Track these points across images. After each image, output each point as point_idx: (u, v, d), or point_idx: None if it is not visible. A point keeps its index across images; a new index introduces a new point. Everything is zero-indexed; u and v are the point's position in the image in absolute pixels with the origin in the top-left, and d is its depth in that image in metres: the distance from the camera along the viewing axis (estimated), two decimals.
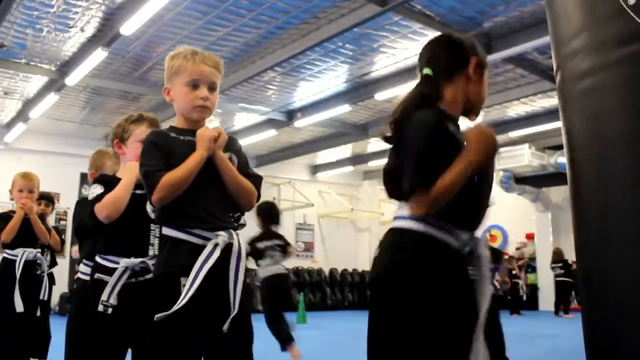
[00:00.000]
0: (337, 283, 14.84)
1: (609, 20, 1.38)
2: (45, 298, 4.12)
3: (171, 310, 1.68)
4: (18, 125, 10.74)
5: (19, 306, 3.78)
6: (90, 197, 2.16)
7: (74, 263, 10.93)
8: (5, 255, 3.99)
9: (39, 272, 4.02)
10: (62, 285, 10.50)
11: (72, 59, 8.04)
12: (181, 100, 1.93)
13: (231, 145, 1.94)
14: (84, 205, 2.61)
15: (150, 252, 2.18)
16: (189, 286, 1.69)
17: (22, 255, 3.90)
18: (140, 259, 2.13)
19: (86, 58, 7.61)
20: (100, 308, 2.07)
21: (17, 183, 3.96)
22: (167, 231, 1.83)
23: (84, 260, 2.73)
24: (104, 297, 2.08)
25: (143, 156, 1.86)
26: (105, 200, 2.09)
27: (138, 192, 2.15)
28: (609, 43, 1.38)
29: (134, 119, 2.29)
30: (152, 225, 2.18)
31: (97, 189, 2.15)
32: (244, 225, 2.07)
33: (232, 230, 1.82)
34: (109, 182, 2.18)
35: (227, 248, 1.77)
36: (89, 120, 11.28)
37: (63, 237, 4.48)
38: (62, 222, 11.70)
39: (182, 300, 1.69)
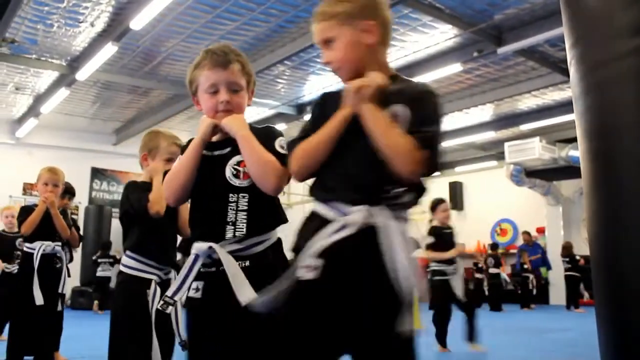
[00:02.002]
0: None
1: (625, 9, 1.37)
2: (64, 292, 4.17)
3: None
4: (29, 120, 10.81)
5: (39, 299, 3.81)
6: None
7: (86, 257, 11.01)
8: (24, 248, 4.04)
9: (59, 266, 4.05)
10: (74, 280, 10.58)
11: (82, 54, 8.08)
12: None
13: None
14: (133, 189, 2.45)
15: (229, 234, 1.59)
16: None
17: (39, 248, 3.93)
18: (208, 244, 1.58)
19: (96, 53, 7.64)
20: (160, 306, 1.62)
21: (43, 176, 4.00)
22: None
23: (128, 252, 2.42)
24: (168, 292, 1.61)
25: None
26: (165, 179, 1.68)
27: (216, 153, 1.67)
28: (624, 33, 1.36)
29: (198, 62, 1.72)
30: (231, 195, 1.61)
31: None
32: None
33: None
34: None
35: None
36: (100, 115, 11.33)
37: (81, 232, 4.50)
38: (74, 217, 11.76)
39: None
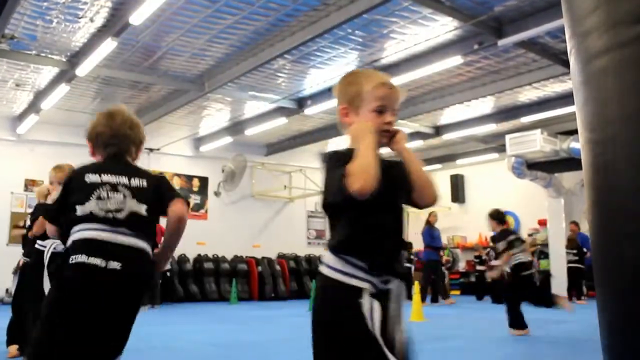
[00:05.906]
0: None
1: None
2: None
3: None
4: (30, 116, 10.81)
5: None
6: None
7: None
8: (36, 246, 4.10)
9: None
10: None
11: (82, 50, 8.07)
12: None
13: None
14: (334, 163, 1.64)
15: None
16: None
17: (50, 246, 3.98)
18: None
19: (96, 48, 7.64)
20: None
21: (57, 176, 4.08)
22: None
23: (334, 250, 1.67)
24: None
25: None
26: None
27: None
28: (625, 21, 1.35)
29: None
30: None
31: None
32: None
33: None
34: None
35: None
36: (100, 110, 11.25)
37: None
38: None
39: None
